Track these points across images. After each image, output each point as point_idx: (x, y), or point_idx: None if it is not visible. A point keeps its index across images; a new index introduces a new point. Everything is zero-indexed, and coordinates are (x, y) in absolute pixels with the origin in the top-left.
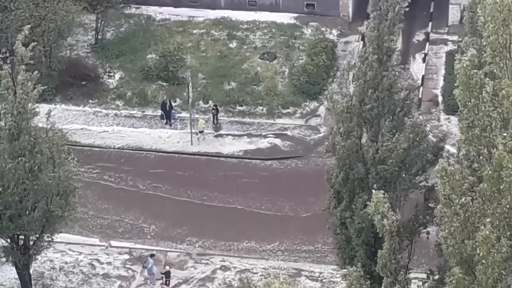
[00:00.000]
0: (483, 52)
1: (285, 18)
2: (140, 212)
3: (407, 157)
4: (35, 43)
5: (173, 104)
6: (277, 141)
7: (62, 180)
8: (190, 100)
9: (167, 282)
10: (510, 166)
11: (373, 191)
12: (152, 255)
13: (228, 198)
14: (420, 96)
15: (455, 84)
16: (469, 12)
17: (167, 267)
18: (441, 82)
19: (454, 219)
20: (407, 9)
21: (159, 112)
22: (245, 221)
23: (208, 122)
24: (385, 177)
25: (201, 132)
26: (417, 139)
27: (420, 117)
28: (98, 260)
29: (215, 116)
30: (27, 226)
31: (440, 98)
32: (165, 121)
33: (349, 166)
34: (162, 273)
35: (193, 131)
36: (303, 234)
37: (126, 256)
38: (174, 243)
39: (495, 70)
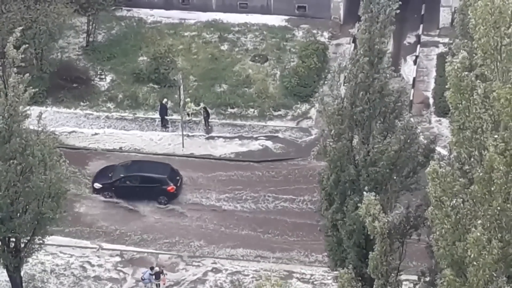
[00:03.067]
0: (474, 54)
1: (276, 20)
2: (130, 214)
3: (398, 159)
4: (26, 45)
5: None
6: (269, 143)
7: (53, 183)
8: (182, 103)
9: (158, 285)
10: (501, 168)
11: (364, 193)
12: (151, 268)
13: (219, 200)
14: (411, 98)
15: (446, 86)
16: (460, 14)
17: (157, 268)
18: (432, 84)
19: (445, 221)
20: (398, 11)
21: (152, 114)
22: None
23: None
24: (376, 179)
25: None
26: (408, 141)
27: (411, 119)
28: (89, 263)
29: (206, 119)
30: (18, 228)
31: (431, 100)
32: (156, 123)
33: (340, 168)
34: (151, 274)
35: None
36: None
37: (118, 259)
38: (165, 246)
39: (486, 72)
